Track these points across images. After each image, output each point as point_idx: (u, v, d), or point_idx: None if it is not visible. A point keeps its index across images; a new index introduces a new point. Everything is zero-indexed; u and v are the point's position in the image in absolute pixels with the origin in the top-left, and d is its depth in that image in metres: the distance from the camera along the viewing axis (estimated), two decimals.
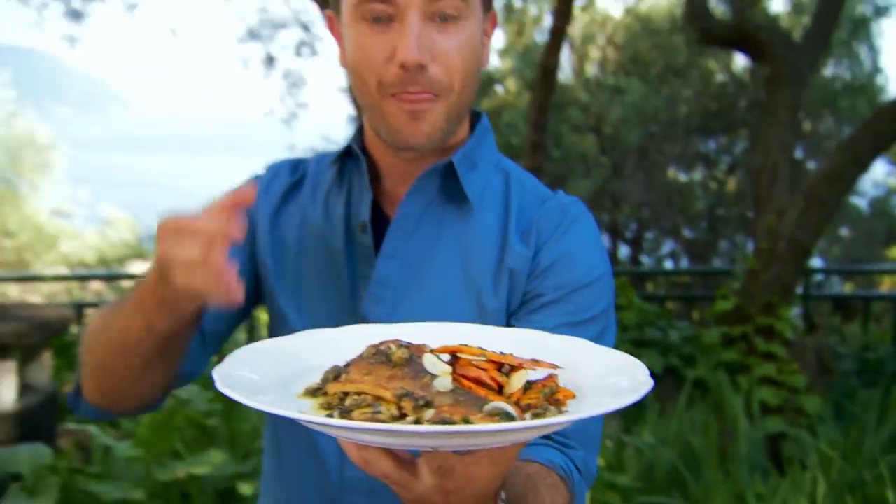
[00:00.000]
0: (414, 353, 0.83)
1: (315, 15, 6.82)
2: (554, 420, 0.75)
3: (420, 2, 1.11)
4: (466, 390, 0.80)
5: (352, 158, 1.29)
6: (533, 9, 10.35)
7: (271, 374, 0.87)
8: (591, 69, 11.23)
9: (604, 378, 0.86)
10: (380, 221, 1.23)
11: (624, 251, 11.81)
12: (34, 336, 4.34)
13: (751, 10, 6.75)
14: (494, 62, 11.66)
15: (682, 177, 11.76)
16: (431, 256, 1.20)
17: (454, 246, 1.20)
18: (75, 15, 6.52)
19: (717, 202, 11.40)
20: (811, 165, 10.25)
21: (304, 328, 1.07)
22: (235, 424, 4.33)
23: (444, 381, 0.80)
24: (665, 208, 10.80)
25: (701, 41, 6.57)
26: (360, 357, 0.84)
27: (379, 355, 0.83)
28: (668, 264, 11.92)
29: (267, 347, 0.93)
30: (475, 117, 1.30)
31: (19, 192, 15.24)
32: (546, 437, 1.09)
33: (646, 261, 11.96)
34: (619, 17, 10.89)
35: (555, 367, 0.87)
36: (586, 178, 9.68)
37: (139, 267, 15.08)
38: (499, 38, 11.62)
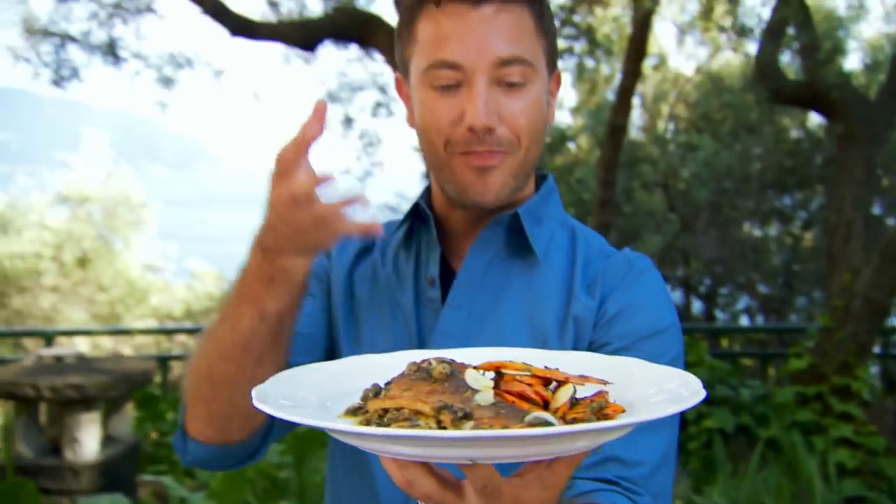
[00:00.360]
0: (456, 370, 0.81)
1: (390, 78, 7.11)
2: (601, 425, 0.71)
3: (487, 68, 1.14)
4: (509, 404, 0.77)
5: (420, 219, 1.31)
6: (605, 68, 10.49)
7: (313, 395, 0.86)
8: (663, 126, 11.28)
9: (655, 391, 0.83)
10: (447, 277, 1.25)
11: (698, 306, 11.64)
12: (118, 388, 4.48)
13: (824, 68, 6.73)
14: (567, 120, 11.81)
15: (757, 232, 11.60)
16: (497, 308, 1.20)
17: (520, 298, 1.21)
18: (166, 82, 6.90)
19: (793, 258, 11.18)
20: (891, 222, 10.00)
21: None
22: (306, 477, 4.40)
23: (485, 396, 0.77)
24: (740, 264, 10.64)
25: (771, 100, 6.58)
26: (402, 375, 0.82)
27: (420, 372, 0.81)
28: (744, 320, 11.67)
29: (312, 370, 0.93)
30: (541, 178, 1.33)
31: (113, 248, 15.95)
32: (612, 482, 1.06)
33: (720, 316, 11.75)
34: (691, 75, 10.94)
35: (604, 382, 0.84)
36: (657, 234, 9.66)
37: None
38: (571, 97, 11.77)
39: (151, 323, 14.98)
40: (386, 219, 1.40)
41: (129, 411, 4.86)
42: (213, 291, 16.25)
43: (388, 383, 0.82)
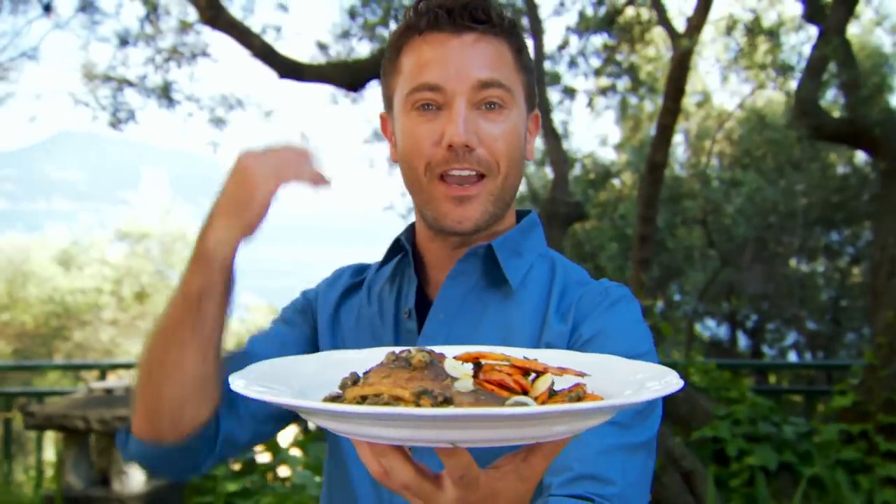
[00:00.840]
0: (435, 359, 0.79)
1: None
2: (581, 406, 0.70)
3: (467, 90, 1.18)
4: (489, 392, 0.76)
5: (404, 254, 1.35)
6: (648, 105, 10.54)
7: (292, 383, 0.86)
8: (707, 162, 11.24)
9: (633, 383, 0.83)
10: (427, 309, 1.27)
11: (744, 342, 11.46)
12: None
13: (867, 105, 6.67)
14: (610, 156, 11.85)
15: (805, 268, 11.43)
16: (473, 338, 1.20)
17: (495, 327, 1.22)
18: (217, 122, 7.16)
19: (841, 294, 10.98)
20: None
21: None
22: None
23: (465, 384, 0.76)
24: (787, 299, 10.48)
25: (812, 137, 6.54)
26: (380, 364, 0.81)
27: (399, 361, 0.79)
28: (793, 356, 11.46)
29: (288, 363, 0.92)
30: (524, 214, 1.36)
31: (170, 283, 16.38)
32: (586, 498, 1.05)
33: (768, 352, 11.55)
34: (734, 111, 10.90)
35: (582, 374, 0.83)
36: (701, 270, 9.60)
37: None
38: (615, 133, 11.83)
39: None
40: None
41: None
42: (264, 325, 16.53)
43: (366, 373, 0.82)
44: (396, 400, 0.74)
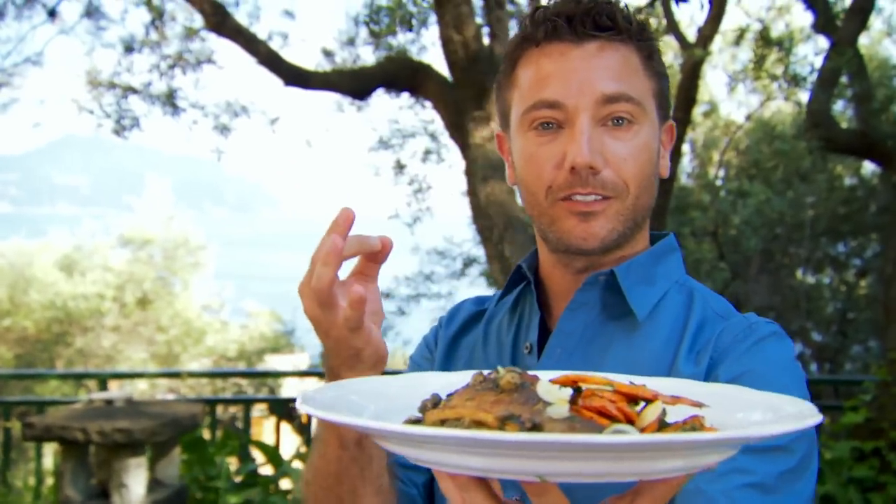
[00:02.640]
0: (527, 381, 0.70)
1: (440, 125, 7.23)
2: (687, 437, 0.61)
3: (590, 105, 1.07)
4: (587, 420, 0.66)
5: (526, 283, 1.24)
6: None
7: (370, 405, 0.80)
8: (714, 173, 11.18)
9: (760, 416, 0.72)
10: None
11: None
12: (165, 433, 4.47)
13: (878, 117, 6.62)
14: None
15: (811, 280, 11.38)
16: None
17: (619, 364, 1.08)
18: (222, 129, 7.12)
19: (847, 306, 10.92)
20: None
21: None
22: None
23: (559, 409, 0.66)
24: (793, 311, 10.41)
25: (823, 149, 6.49)
26: (466, 385, 0.73)
27: (486, 382, 0.71)
28: None
29: (368, 382, 0.86)
30: (661, 237, 1.22)
31: (173, 290, 16.37)
32: None
33: None
34: (742, 122, 10.86)
35: (699, 405, 0.72)
36: (707, 281, 9.52)
37: (276, 361, 15.77)
38: None
39: (207, 362, 15.25)
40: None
41: (177, 455, 4.91)
42: (266, 332, 16.50)
43: (450, 394, 0.74)
44: (478, 425, 0.66)
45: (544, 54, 1.10)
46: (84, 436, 4.32)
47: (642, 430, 0.68)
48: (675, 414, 0.72)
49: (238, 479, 5.42)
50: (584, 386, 0.72)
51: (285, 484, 5.53)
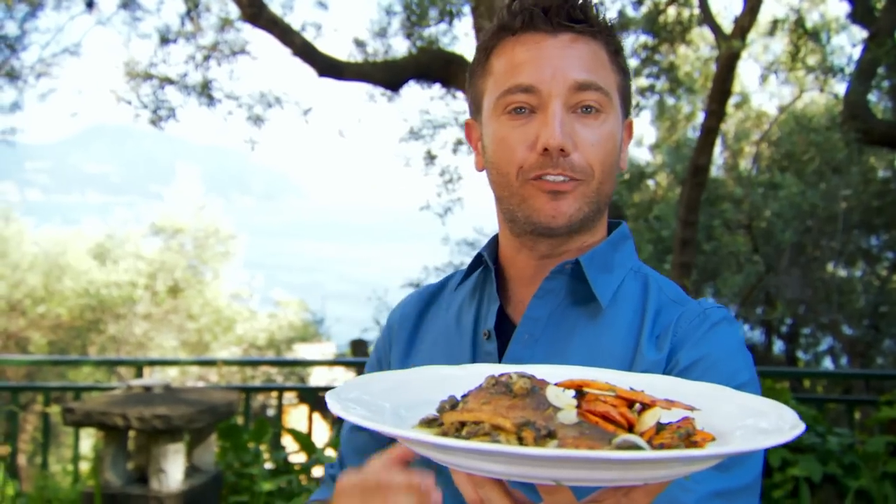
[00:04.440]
0: (537, 386, 0.75)
1: None
2: (696, 453, 0.67)
3: (563, 92, 1.12)
4: (593, 425, 0.72)
5: (485, 270, 1.28)
6: (686, 106, 10.41)
7: (386, 404, 0.83)
8: (745, 165, 11.08)
9: (745, 421, 0.78)
10: (507, 329, 1.21)
11: (779, 346, 11.30)
12: (202, 419, 4.53)
13: None
14: (646, 157, 11.73)
15: (843, 273, 11.24)
16: (559, 361, 1.12)
17: (583, 350, 1.14)
18: (256, 120, 7.17)
19: (879, 299, 10.77)
20: None
21: None
22: None
23: (568, 415, 0.72)
24: (824, 304, 10.31)
25: (860, 141, 6.40)
26: (480, 388, 0.77)
27: (499, 386, 0.76)
28: (828, 362, 11.28)
29: (383, 378, 0.90)
30: (615, 226, 1.27)
31: (203, 278, 16.51)
32: None
33: (803, 356, 11.37)
34: (774, 114, 10.74)
35: (691, 408, 0.78)
36: (738, 274, 9.45)
37: (304, 350, 15.90)
38: (650, 134, 11.72)
39: (236, 351, 15.40)
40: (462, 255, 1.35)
41: (213, 442, 4.97)
42: (295, 321, 16.62)
43: (464, 396, 0.78)
44: (497, 430, 0.71)
45: (520, 43, 1.15)
46: (124, 421, 4.39)
47: (642, 434, 0.73)
48: (669, 416, 0.77)
49: (271, 466, 5.49)
50: (587, 390, 0.77)
51: (318, 471, 5.60)
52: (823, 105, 10.57)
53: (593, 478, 0.67)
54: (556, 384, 0.77)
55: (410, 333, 1.33)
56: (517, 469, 0.67)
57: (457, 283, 1.34)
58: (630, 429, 0.74)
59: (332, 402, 0.78)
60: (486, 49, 1.21)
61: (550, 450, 0.64)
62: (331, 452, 5.64)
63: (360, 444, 1.30)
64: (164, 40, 6.80)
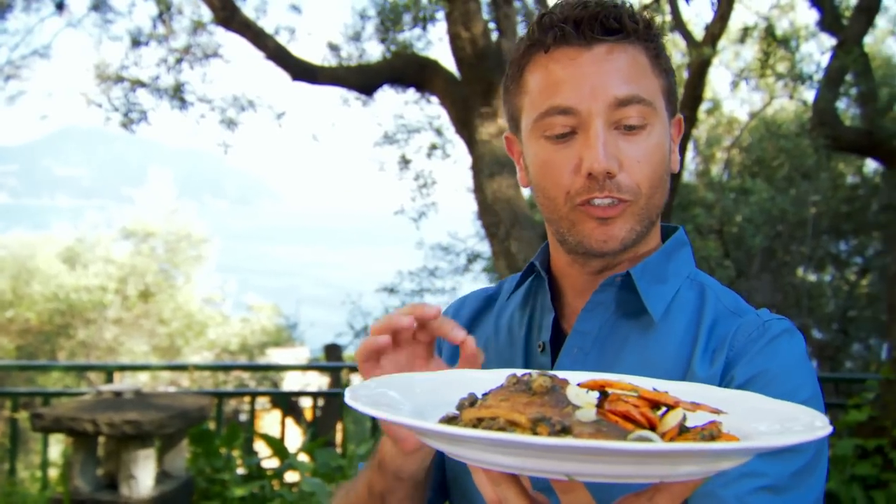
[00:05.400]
0: (557, 385, 0.75)
1: (446, 120, 7.23)
2: (711, 447, 0.65)
3: (604, 110, 1.07)
4: (612, 423, 0.71)
5: (538, 279, 1.26)
6: None
7: (407, 402, 0.83)
8: (717, 170, 11.19)
9: (775, 425, 0.76)
10: (561, 341, 1.18)
11: None
12: (173, 425, 4.53)
13: (883, 116, 6.63)
14: None
15: (812, 277, 11.40)
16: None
17: (634, 364, 1.10)
18: (229, 123, 7.11)
19: (848, 304, 10.94)
20: None
21: None
22: None
23: (587, 413, 0.71)
24: (793, 309, 10.44)
25: (829, 147, 6.49)
26: (500, 386, 0.77)
27: (519, 384, 0.75)
28: None
29: (406, 378, 0.89)
30: (671, 231, 1.24)
31: (175, 283, 16.37)
32: None
33: None
34: (745, 120, 10.87)
35: (718, 412, 0.76)
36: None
37: (277, 354, 15.81)
38: None
39: (208, 356, 15.28)
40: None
41: (185, 447, 4.93)
42: (268, 326, 16.53)
43: (485, 394, 0.78)
44: (512, 425, 0.71)
45: (553, 59, 1.11)
46: (94, 427, 4.35)
47: (663, 435, 0.71)
48: (695, 420, 0.75)
49: (243, 472, 5.45)
50: (610, 390, 0.76)
51: (290, 477, 5.57)
52: (793, 112, 10.71)
53: (606, 473, 0.66)
54: (578, 384, 0.76)
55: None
56: (529, 462, 0.67)
57: (510, 292, 1.30)
58: (652, 429, 0.72)
59: (350, 397, 0.78)
60: (519, 65, 1.17)
61: (558, 439, 0.63)
62: (304, 458, 5.61)
63: None
64: (136, 43, 6.73)
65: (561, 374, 0.80)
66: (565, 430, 0.69)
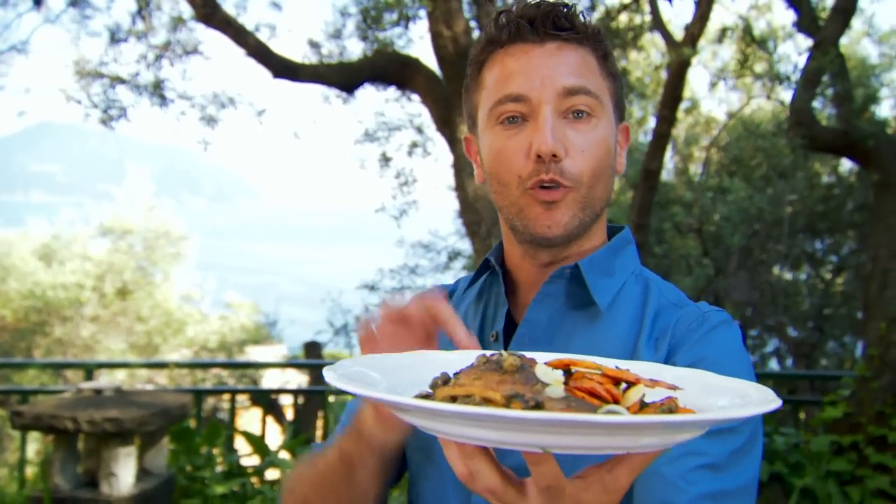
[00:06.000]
0: (526, 363, 0.78)
1: (427, 118, 7.24)
2: (674, 418, 0.69)
3: (553, 98, 1.13)
4: (580, 399, 0.75)
5: (492, 274, 1.31)
6: (637, 111, 10.56)
7: (382, 381, 0.86)
8: (695, 169, 11.29)
9: (728, 400, 0.80)
10: (513, 333, 1.23)
11: None
12: (154, 422, 4.50)
13: (858, 116, 6.71)
14: None
15: (788, 276, 11.53)
16: None
17: (583, 352, 1.12)
18: (209, 120, 7.07)
19: (824, 302, 11.07)
20: None
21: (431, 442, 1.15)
22: None
23: (556, 390, 0.75)
24: (770, 307, 10.56)
25: (806, 147, 6.57)
26: (471, 366, 0.80)
27: (490, 363, 0.79)
28: (774, 363, 11.55)
29: (377, 359, 0.92)
30: (618, 230, 1.29)
31: (153, 280, 16.24)
32: None
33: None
34: (723, 119, 10.97)
35: (674, 387, 0.81)
36: (688, 276, 9.62)
37: (257, 352, 15.74)
38: None
39: (187, 353, 15.18)
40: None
41: (165, 445, 4.91)
42: (247, 323, 16.45)
43: (456, 373, 0.81)
44: (487, 402, 0.74)
45: (508, 54, 1.17)
46: (74, 425, 4.31)
47: (627, 409, 0.75)
48: (653, 396, 0.80)
49: (224, 469, 5.44)
50: (574, 369, 0.80)
51: (271, 474, 5.56)
52: (770, 111, 10.81)
53: (579, 444, 0.69)
54: (545, 363, 0.80)
55: None
56: (507, 435, 0.69)
57: (465, 287, 1.36)
58: (615, 404, 0.76)
59: (329, 375, 0.80)
60: (477, 63, 1.24)
61: (539, 413, 0.66)
62: (285, 455, 5.60)
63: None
64: (115, 39, 6.68)
65: (528, 354, 0.83)
66: (538, 406, 0.72)
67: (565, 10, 1.18)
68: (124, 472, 4.44)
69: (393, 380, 0.87)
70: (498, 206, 1.23)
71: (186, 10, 6.60)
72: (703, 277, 9.52)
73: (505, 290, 1.27)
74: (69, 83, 6.57)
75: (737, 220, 9.63)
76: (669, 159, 11.50)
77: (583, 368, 0.80)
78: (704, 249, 9.96)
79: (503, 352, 0.80)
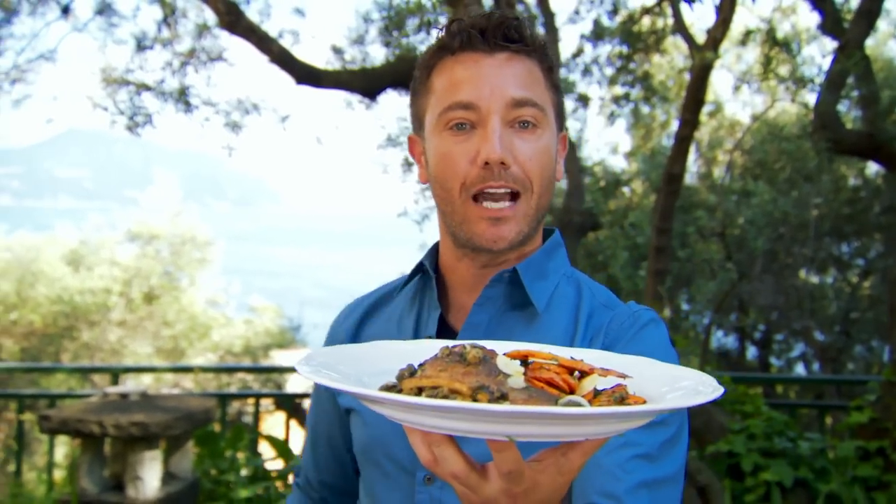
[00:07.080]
0: (488, 355, 0.82)
1: None
2: (634, 409, 0.73)
3: (501, 108, 1.18)
4: (539, 389, 0.80)
5: (425, 277, 1.34)
6: (660, 114, 10.52)
7: (349, 371, 0.89)
8: (719, 173, 11.21)
9: (670, 387, 0.86)
10: (448, 336, 1.28)
11: (752, 352, 11.45)
12: (179, 426, 4.54)
13: (884, 119, 6.63)
14: (621, 164, 11.83)
15: (814, 279, 11.41)
16: None
17: None
18: (233, 126, 7.14)
19: (850, 306, 10.94)
20: None
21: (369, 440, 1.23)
22: None
23: (517, 380, 0.79)
24: (796, 311, 10.45)
25: (831, 150, 6.50)
26: (435, 357, 0.84)
27: (454, 356, 0.82)
28: (800, 367, 11.45)
29: (342, 350, 0.95)
30: (549, 233, 1.35)
31: (179, 285, 16.37)
32: None
33: (775, 362, 11.52)
34: (747, 122, 10.88)
35: (624, 376, 0.86)
36: (712, 280, 9.56)
37: (281, 357, 15.82)
38: (626, 142, 11.84)
39: (212, 358, 15.30)
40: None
41: (190, 449, 4.96)
42: (271, 328, 16.53)
43: (421, 364, 0.84)
44: (454, 393, 0.77)
45: (459, 62, 1.21)
46: (100, 429, 4.37)
47: (584, 398, 0.81)
48: (604, 383, 0.85)
49: (248, 473, 5.48)
50: (531, 359, 0.85)
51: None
52: (795, 114, 10.72)
53: (542, 433, 0.73)
54: (504, 354, 0.84)
55: (354, 330, 1.41)
56: (477, 426, 0.73)
57: (399, 289, 1.39)
58: (571, 393, 0.81)
59: (302, 367, 0.83)
60: (426, 67, 1.27)
61: (508, 406, 0.70)
62: None
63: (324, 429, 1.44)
64: (141, 46, 6.77)
65: (488, 344, 0.87)
66: (503, 397, 0.76)
67: (515, 22, 1.22)
68: (150, 475, 4.49)
69: (357, 370, 0.90)
70: (439, 209, 1.27)
71: (211, 18, 6.68)
72: (727, 282, 9.45)
73: (438, 294, 1.30)
74: (96, 90, 6.68)
75: (761, 223, 9.55)
76: (693, 163, 11.44)
77: (539, 359, 0.85)
78: (728, 253, 9.89)
79: (466, 344, 0.83)
